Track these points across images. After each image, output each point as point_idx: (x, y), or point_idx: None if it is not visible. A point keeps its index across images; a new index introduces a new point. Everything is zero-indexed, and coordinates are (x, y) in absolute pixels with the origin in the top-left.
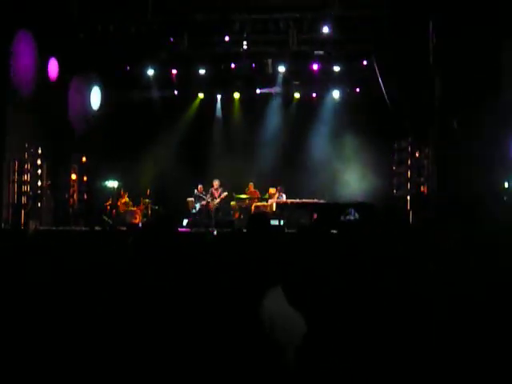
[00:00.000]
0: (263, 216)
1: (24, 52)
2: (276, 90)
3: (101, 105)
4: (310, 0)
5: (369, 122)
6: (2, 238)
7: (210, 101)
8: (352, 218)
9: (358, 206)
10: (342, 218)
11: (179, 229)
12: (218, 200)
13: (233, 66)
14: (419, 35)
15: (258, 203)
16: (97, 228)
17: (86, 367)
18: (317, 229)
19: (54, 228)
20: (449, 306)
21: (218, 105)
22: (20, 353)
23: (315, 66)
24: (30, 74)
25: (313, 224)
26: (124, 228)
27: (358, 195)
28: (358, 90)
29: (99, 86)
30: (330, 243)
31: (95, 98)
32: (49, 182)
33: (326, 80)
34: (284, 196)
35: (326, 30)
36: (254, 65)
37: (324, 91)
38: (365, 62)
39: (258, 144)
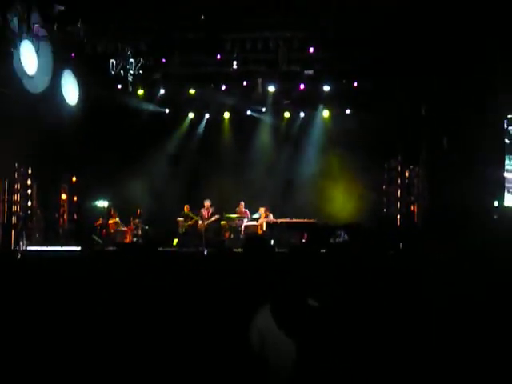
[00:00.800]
0: (260, 238)
1: None
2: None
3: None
4: (300, 19)
5: (359, 141)
6: None
7: (199, 120)
8: (341, 239)
9: (346, 227)
10: (332, 240)
11: (169, 249)
12: (208, 221)
13: (223, 85)
14: (406, 57)
15: (248, 223)
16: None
17: None
18: (307, 249)
19: (44, 248)
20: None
21: (208, 124)
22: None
23: (303, 86)
24: None
25: (303, 244)
26: (114, 248)
27: (347, 214)
28: (347, 109)
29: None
30: (320, 263)
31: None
32: (43, 204)
33: (316, 99)
34: (271, 215)
35: (315, 49)
36: (244, 84)
37: (314, 111)
38: (355, 83)
39: (248, 163)
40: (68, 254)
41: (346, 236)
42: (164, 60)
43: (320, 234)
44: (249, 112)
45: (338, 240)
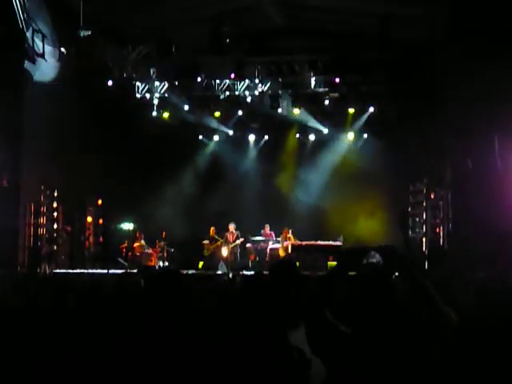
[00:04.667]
0: (286, 261)
1: None
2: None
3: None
4: (324, 43)
5: (384, 164)
6: (17, 281)
7: (225, 143)
8: (375, 260)
9: (380, 249)
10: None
11: (195, 271)
12: (233, 245)
13: (248, 108)
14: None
15: (273, 245)
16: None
17: None
18: (340, 272)
19: (69, 271)
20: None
21: (233, 147)
22: None
23: (330, 108)
24: None
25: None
26: (139, 270)
27: (372, 237)
28: (373, 132)
29: None
30: (353, 286)
31: None
32: (68, 227)
33: (341, 122)
34: (295, 238)
35: (340, 73)
36: (269, 107)
37: (339, 133)
38: (379, 105)
39: (272, 186)
40: (94, 276)
41: (379, 258)
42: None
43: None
44: (272, 135)
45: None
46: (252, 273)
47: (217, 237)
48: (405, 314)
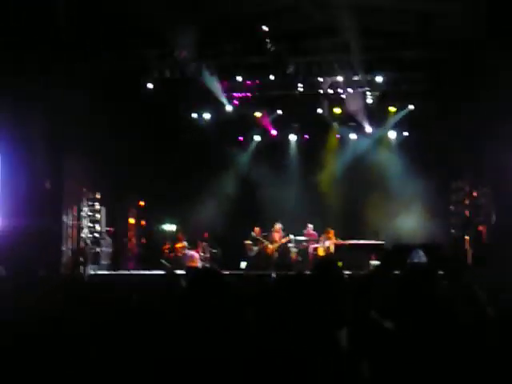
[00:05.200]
0: (329, 261)
1: None
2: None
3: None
4: (362, 42)
5: (426, 162)
6: (61, 283)
7: (265, 144)
8: (420, 259)
9: (426, 246)
10: (409, 260)
11: (237, 272)
12: (278, 244)
13: (289, 108)
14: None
15: (316, 245)
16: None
17: None
18: (384, 271)
19: (112, 272)
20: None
21: (275, 147)
22: None
23: (370, 107)
24: None
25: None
26: (183, 272)
27: (415, 236)
28: (413, 130)
29: None
30: (398, 285)
31: None
32: (112, 228)
33: (381, 121)
34: (334, 239)
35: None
36: (309, 106)
37: (380, 132)
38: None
39: (313, 185)
40: (136, 278)
41: (424, 256)
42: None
43: (396, 255)
44: (312, 134)
45: (416, 261)
46: (294, 273)
47: (261, 237)
48: (447, 312)
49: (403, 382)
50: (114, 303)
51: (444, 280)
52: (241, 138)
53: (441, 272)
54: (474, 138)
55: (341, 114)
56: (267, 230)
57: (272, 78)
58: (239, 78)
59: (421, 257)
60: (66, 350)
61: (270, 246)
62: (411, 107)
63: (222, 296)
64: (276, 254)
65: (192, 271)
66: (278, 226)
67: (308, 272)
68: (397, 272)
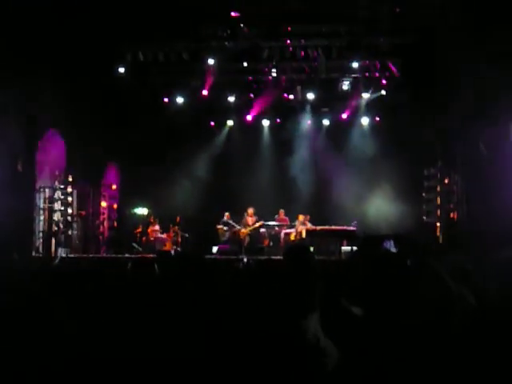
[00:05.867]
0: (301, 246)
1: None
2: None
3: None
4: (338, 27)
5: (398, 149)
6: (32, 266)
7: (238, 128)
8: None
9: (395, 237)
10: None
11: (209, 256)
12: (251, 228)
13: (262, 93)
14: (445, 61)
15: (288, 230)
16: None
17: None
18: (357, 260)
19: (83, 255)
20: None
21: (246, 132)
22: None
23: (344, 93)
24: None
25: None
26: (154, 255)
27: (386, 222)
28: (386, 117)
29: None
30: (367, 273)
31: None
32: (82, 212)
33: (355, 107)
34: (309, 223)
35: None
36: (283, 92)
37: (353, 118)
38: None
39: (286, 171)
40: (108, 261)
41: (394, 247)
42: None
43: (368, 244)
44: (286, 119)
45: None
46: (266, 258)
47: (231, 222)
48: (418, 298)
49: (373, 367)
50: (85, 286)
51: (413, 267)
52: (213, 123)
53: (410, 259)
54: (447, 126)
55: (314, 99)
56: (240, 214)
57: (246, 62)
58: (211, 62)
59: (391, 246)
60: (38, 333)
61: (243, 231)
62: (383, 92)
63: (202, 279)
64: (248, 239)
65: (166, 254)
66: (251, 210)
67: (279, 257)
68: (367, 260)
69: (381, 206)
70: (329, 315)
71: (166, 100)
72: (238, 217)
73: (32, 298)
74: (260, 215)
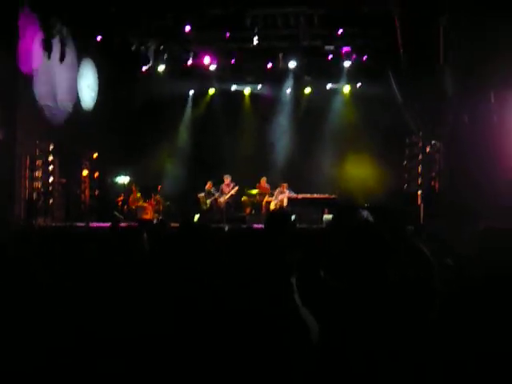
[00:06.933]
0: (282, 214)
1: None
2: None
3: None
4: None
5: (380, 117)
6: (13, 234)
7: (220, 95)
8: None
9: (371, 208)
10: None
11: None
12: (228, 195)
13: (243, 60)
14: (429, 32)
15: (269, 198)
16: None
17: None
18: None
19: (64, 224)
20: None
21: (229, 100)
22: (21, 351)
23: (326, 61)
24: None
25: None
26: (135, 224)
27: (368, 190)
28: (368, 85)
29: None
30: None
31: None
32: (63, 180)
33: (337, 75)
34: (287, 192)
35: (336, 26)
36: (264, 60)
37: (334, 87)
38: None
39: (268, 139)
40: (87, 230)
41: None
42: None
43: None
44: (268, 88)
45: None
46: (247, 226)
47: (213, 190)
48: (396, 269)
49: (351, 339)
50: (68, 254)
51: (391, 237)
52: (192, 91)
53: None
54: (430, 95)
55: (296, 66)
56: (220, 183)
57: (228, 30)
58: (187, 28)
59: (368, 216)
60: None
61: (221, 199)
62: (365, 58)
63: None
64: (226, 207)
65: (150, 223)
66: (228, 178)
67: (261, 225)
68: (343, 230)
69: (361, 175)
70: (307, 286)
71: (145, 68)
72: (220, 185)
73: (12, 266)
74: (242, 183)
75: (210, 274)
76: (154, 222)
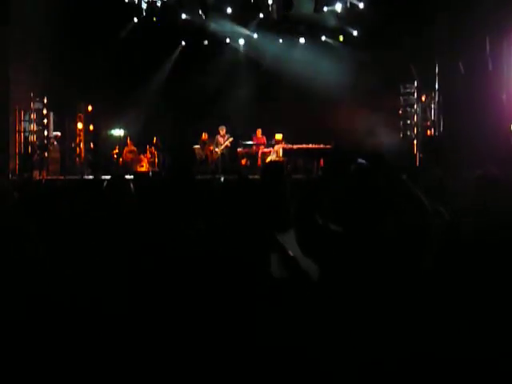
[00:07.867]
0: (277, 164)
1: None
2: None
3: None
4: None
5: (375, 67)
6: (8, 188)
7: (213, 45)
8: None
9: (367, 156)
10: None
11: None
12: (223, 146)
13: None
14: None
15: (265, 149)
16: (104, 177)
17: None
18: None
19: (61, 177)
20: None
21: (221, 49)
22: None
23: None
24: None
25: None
26: (131, 176)
27: (363, 139)
28: (363, 31)
29: None
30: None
31: None
32: (59, 133)
33: (330, 24)
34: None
35: None
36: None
37: (329, 34)
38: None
39: (263, 88)
40: (85, 183)
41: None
42: None
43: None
44: (262, 36)
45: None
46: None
47: (208, 142)
48: (391, 215)
49: (349, 285)
50: (64, 207)
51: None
52: (184, 42)
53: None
54: (424, 43)
55: (290, 16)
56: (215, 134)
57: None
58: None
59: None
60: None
61: (216, 150)
62: (361, 6)
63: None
64: (222, 158)
65: (144, 175)
66: (223, 129)
67: (257, 176)
68: (338, 177)
69: (356, 123)
70: (305, 232)
71: (136, 19)
72: (213, 137)
73: (6, 219)
74: (237, 135)
75: (200, 223)
76: (150, 174)
